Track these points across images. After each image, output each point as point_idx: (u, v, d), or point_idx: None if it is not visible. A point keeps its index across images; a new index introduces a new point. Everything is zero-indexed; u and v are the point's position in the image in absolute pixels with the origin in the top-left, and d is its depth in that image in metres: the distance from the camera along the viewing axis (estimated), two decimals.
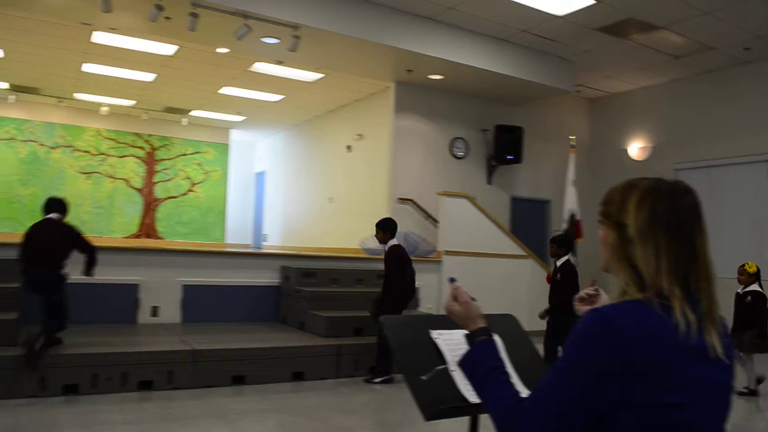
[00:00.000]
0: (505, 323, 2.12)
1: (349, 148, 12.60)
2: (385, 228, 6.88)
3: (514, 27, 9.12)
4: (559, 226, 10.46)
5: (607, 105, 12.45)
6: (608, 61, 10.34)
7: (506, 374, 1.40)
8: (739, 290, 6.75)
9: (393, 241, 6.88)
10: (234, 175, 16.76)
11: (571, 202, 9.61)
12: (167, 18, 7.75)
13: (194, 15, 7.46)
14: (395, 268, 6.69)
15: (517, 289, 9.77)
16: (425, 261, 9.37)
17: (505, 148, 11.07)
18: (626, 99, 12.01)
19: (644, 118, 11.62)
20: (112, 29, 9.00)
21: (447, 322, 1.80)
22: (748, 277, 6.71)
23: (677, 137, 10.93)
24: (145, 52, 10.14)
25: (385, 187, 10.63)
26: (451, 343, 1.90)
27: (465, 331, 1.57)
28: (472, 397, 1.78)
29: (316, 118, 14.36)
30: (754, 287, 6.67)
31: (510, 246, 9.93)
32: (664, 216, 1.30)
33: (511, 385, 1.37)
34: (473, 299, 1.63)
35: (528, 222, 11.80)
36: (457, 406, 1.76)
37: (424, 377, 1.65)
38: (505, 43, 9.71)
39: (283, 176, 15.89)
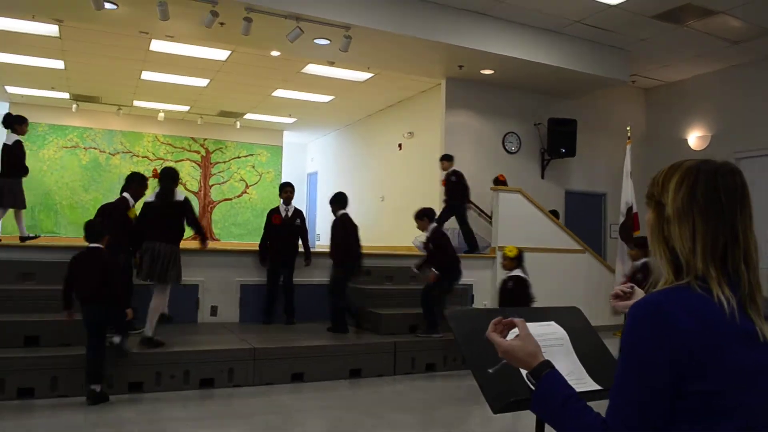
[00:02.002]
0: (571, 316, 2.09)
1: (400, 146, 12.61)
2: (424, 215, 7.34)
3: (567, 18, 8.96)
4: (616, 219, 10.24)
5: (663, 94, 12.11)
6: (664, 49, 10.05)
7: (582, 400, 1.35)
8: None
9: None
10: (287, 176, 16.99)
11: (628, 195, 9.40)
12: (221, 24, 7.91)
13: (248, 20, 7.58)
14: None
15: (575, 283, 9.60)
16: (479, 257, 9.31)
17: (558, 141, 10.90)
18: (683, 87, 11.66)
19: (702, 107, 11.26)
20: (169, 37, 9.23)
21: (511, 315, 1.78)
22: None
23: (737, 125, 10.55)
24: (199, 57, 10.37)
25: (437, 185, 10.58)
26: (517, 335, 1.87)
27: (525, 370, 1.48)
28: None
29: (366, 118, 14.41)
30: None
31: (565, 240, 9.77)
32: (703, 196, 1.28)
33: (590, 410, 1.32)
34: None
35: (583, 216, 11.59)
36: (524, 399, 1.74)
37: (490, 370, 1.63)
38: (558, 34, 9.54)
39: (334, 176, 16.01)
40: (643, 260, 6.53)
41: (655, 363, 1.20)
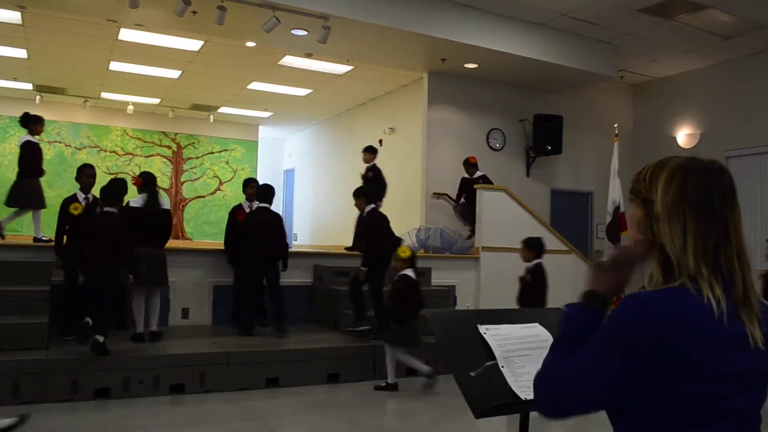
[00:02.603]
0: (556, 318, 2.10)
1: (380, 142, 12.60)
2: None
3: (553, 11, 9.02)
4: (603, 219, 10.33)
5: (652, 90, 12.24)
6: (653, 44, 10.16)
7: (579, 340, 1.34)
8: (765, 267, 6.60)
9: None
10: (262, 172, 16.90)
11: (615, 194, 9.47)
12: (194, 12, 7.84)
13: (222, 8, 7.53)
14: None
15: (561, 285, 9.61)
16: (463, 258, 9.34)
17: (544, 138, 10.97)
18: (672, 83, 11.79)
19: (692, 104, 11.39)
20: (139, 26, 9.14)
21: (495, 317, 1.78)
22: None
23: (727, 123, 10.69)
24: (171, 48, 10.28)
25: (419, 182, 10.61)
26: (500, 338, 1.88)
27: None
28: (523, 393, 1.77)
29: (346, 113, 14.39)
30: None
31: (551, 241, 9.79)
32: (693, 193, 1.30)
33: (570, 351, 1.33)
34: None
35: (569, 215, 11.68)
36: (507, 403, 1.74)
37: (472, 374, 1.64)
38: (544, 28, 9.60)
39: (312, 173, 15.97)
40: (535, 261, 6.62)
41: (631, 346, 1.21)
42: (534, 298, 6.51)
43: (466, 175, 9.97)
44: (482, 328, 1.90)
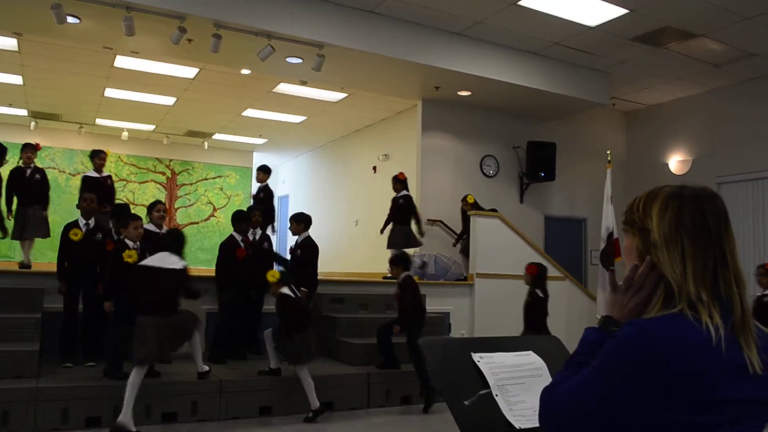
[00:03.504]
0: (550, 345, 2.09)
1: (374, 169, 12.65)
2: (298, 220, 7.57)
3: (545, 39, 9.13)
4: (596, 244, 10.35)
5: (644, 117, 12.35)
6: (645, 72, 10.28)
7: (584, 362, 1.35)
8: (758, 293, 6.61)
9: None
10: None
11: (608, 220, 9.48)
12: (189, 40, 7.91)
13: (217, 36, 7.60)
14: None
15: (555, 312, 9.60)
16: (457, 285, 9.32)
17: (537, 165, 11.02)
18: (664, 111, 11.91)
19: (684, 130, 11.50)
20: (134, 53, 9.20)
21: (489, 344, 1.78)
22: None
23: (719, 149, 10.78)
24: (166, 75, 10.34)
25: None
26: (494, 366, 1.88)
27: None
28: (517, 422, 1.76)
29: (340, 139, 14.46)
30: None
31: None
32: (689, 220, 1.31)
33: (575, 371, 1.34)
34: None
35: (563, 241, 11.69)
36: None
37: (466, 402, 1.63)
38: (536, 56, 9.71)
39: (306, 199, 15.98)
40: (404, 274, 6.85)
41: (629, 371, 1.22)
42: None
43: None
44: (476, 356, 1.89)
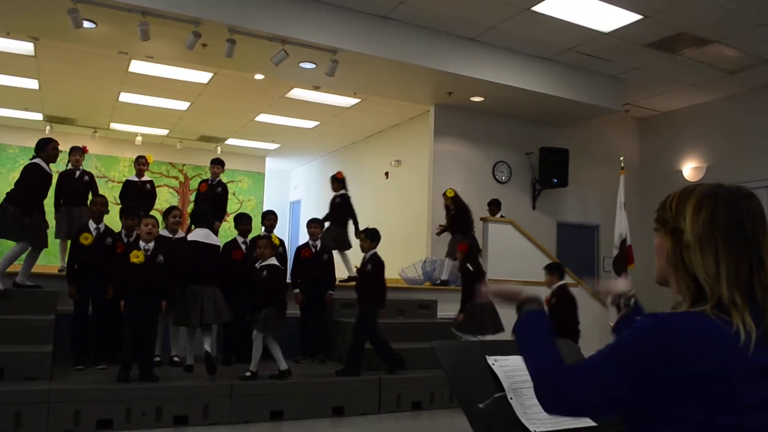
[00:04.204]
0: (565, 349, 2.07)
1: (386, 174, 12.65)
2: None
3: (559, 45, 9.11)
4: (609, 251, 10.28)
5: (658, 124, 12.29)
6: (659, 78, 10.23)
7: (549, 340, 1.47)
8: None
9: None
10: (269, 204, 16.96)
11: (621, 227, 9.44)
12: (204, 45, 7.95)
13: (231, 41, 7.63)
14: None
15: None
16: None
17: (550, 171, 10.99)
18: (678, 117, 11.84)
19: (698, 137, 11.42)
20: (149, 58, 9.27)
21: (504, 347, 1.77)
22: None
23: (734, 156, 10.70)
24: (180, 80, 10.41)
25: (425, 215, 10.61)
26: (509, 369, 1.86)
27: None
28: (532, 425, 1.74)
29: (352, 145, 14.48)
30: None
31: None
32: (724, 220, 1.28)
33: (553, 349, 1.43)
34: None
35: (576, 248, 11.63)
36: None
37: (481, 405, 1.62)
38: (550, 62, 9.69)
39: (318, 205, 15.97)
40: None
41: (645, 362, 1.21)
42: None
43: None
44: (490, 359, 1.88)
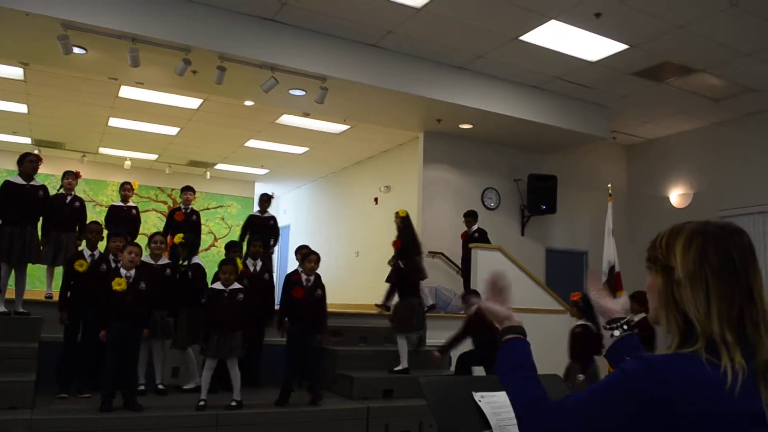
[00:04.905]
0: (550, 384, 2.06)
1: (376, 200, 12.67)
2: None
3: (546, 74, 9.20)
4: (598, 278, 10.28)
5: (644, 151, 12.40)
6: (645, 106, 10.34)
7: (530, 373, 1.46)
8: None
9: None
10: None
11: (610, 253, 9.45)
12: (194, 72, 7.98)
13: (221, 68, 7.67)
14: None
15: (557, 345, 9.53)
16: (459, 317, 9.24)
17: (538, 197, 11.04)
18: (665, 144, 11.95)
19: (685, 164, 11.53)
20: (139, 84, 9.28)
21: (491, 383, 1.75)
22: None
23: (721, 183, 10.79)
24: (170, 105, 10.42)
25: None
26: (496, 406, 1.85)
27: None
28: None
29: (342, 171, 14.50)
30: None
31: (546, 300, 9.76)
32: (714, 257, 1.28)
33: (536, 383, 1.42)
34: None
35: (565, 274, 11.64)
36: None
37: None
38: (537, 90, 9.78)
39: (308, 230, 15.97)
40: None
41: (629, 406, 1.20)
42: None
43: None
44: (477, 396, 1.86)
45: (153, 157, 14.29)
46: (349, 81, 8.36)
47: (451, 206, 10.69)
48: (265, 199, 9.43)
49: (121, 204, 8.54)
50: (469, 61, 8.91)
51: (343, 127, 11.24)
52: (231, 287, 6.40)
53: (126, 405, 5.79)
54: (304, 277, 6.86)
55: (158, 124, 11.63)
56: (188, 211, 8.85)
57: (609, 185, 10.03)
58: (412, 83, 8.78)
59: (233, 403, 6.18)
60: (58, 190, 8.01)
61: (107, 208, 8.82)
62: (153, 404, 6.21)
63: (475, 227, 9.69)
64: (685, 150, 11.55)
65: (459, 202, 10.75)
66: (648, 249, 1.40)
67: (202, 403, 6.06)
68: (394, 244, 8.05)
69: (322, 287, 7.09)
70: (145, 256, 6.75)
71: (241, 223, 16.30)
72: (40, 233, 7.15)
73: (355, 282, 12.76)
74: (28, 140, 13.18)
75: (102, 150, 13.80)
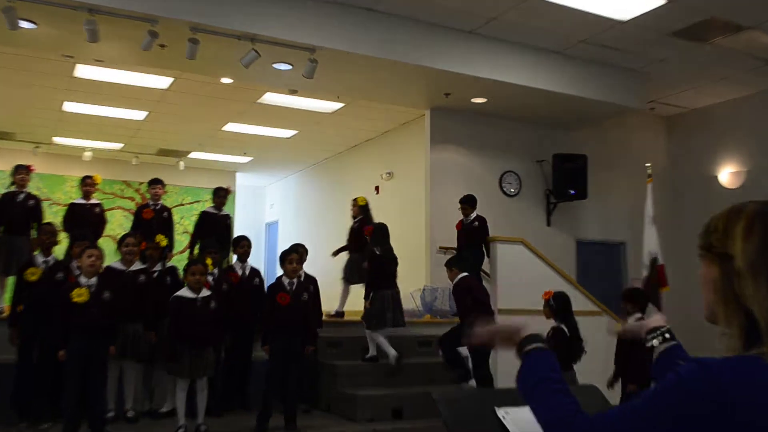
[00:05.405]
0: (587, 396, 2.08)
1: (377, 189, 12.67)
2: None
3: (571, 37, 9.18)
4: (638, 272, 10.30)
5: (688, 123, 12.38)
6: (687, 71, 10.33)
7: (558, 385, 1.45)
8: None
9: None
10: (240, 225, 16.88)
11: (651, 244, 9.46)
12: (162, 46, 7.98)
13: (194, 41, 7.66)
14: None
15: (592, 353, 9.52)
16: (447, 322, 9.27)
17: (566, 181, 11.02)
18: (712, 115, 11.92)
19: (735, 138, 11.50)
20: (99, 61, 9.28)
21: (516, 397, 1.76)
22: None
23: None
24: (135, 86, 10.42)
25: (423, 235, 10.62)
26: (521, 422, 1.86)
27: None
28: None
29: (336, 156, 14.51)
30: None
31: (578, 300, 9.75)
32: None
33: (568, 396, 1.42)
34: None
35: (599, 270, 11.65)
36: None
37: None
38: (561, 56, 9.76)
39: (298, 225, 15.99)
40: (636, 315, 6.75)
41: (686, 415, 1.20)
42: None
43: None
44: (501, 412, 1.87)
45: (117, 146, 14.31)
46: (342, 51, 8.35)
47: (465, 194, 10.66)
48: (222, 194, 9.33)
49: (83, 201, 8.53)
50: (481, 25, 8.90)
51: (337, 106, 11.24)
52: (202, 294, 6.37)
53: None
54: (286, 281, 6.89)
55: (122, 108, 11.63)
56: (158, 207, 8.82)
57: (648, 164, 10.04)
58: (414, 52, 8.76)
59: (203, 428, 6.19)
60: (9, 188, 8.01)
61: (66, 207, 8.77)
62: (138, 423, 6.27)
63: (473, 215, 9.46)
64: (736, 121, 11.52)
65: (473, 189, 10.68)
66: (701, 234, 1.39)
67: (181, 430, 6.08)
68: (367, 230, 8.36)
69: (312, 289, 7.16)
70: (115, 262, 6.77)
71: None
72: None
73: (355, 285, 12.75)
74: None
75: (57, 140, 13.82)
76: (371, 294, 7.93)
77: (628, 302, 6.73)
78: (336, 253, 9.50)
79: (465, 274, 7.66)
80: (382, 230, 8.35)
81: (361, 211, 9.20)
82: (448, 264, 7.88)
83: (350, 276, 9.11)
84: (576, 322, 6.58)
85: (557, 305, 6.60)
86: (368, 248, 8.23)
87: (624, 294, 6.94)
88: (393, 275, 8.15)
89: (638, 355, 6.30)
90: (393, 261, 8.21)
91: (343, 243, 9.48)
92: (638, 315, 6.56)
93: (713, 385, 1.20)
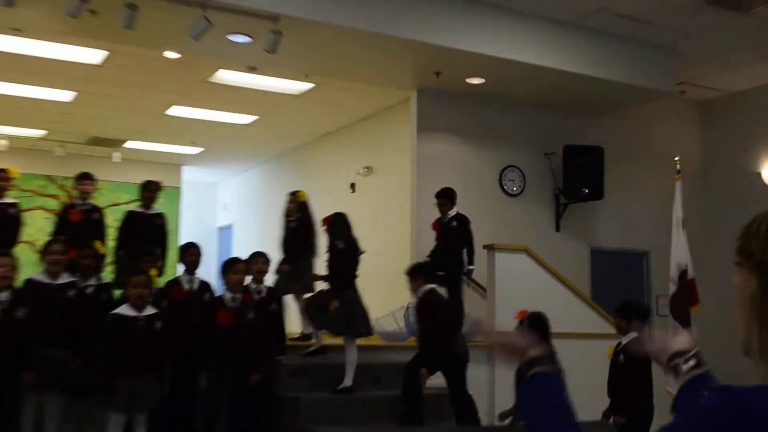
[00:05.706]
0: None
1: (352, 187, 12.69)
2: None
3: (586, 5, 9.22)
4: (664, 288, 10.35)
5: (725, 110, 12.46)
6: (724, 47, 10.39)
7: (568, 418, 1.51)
8: None
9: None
10: (187, 230, 16.87)
11: (680, 254, 9.49)
12: (92, 12, 7.94)
13: (132, 7, 7.63)
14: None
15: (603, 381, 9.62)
16: (470, 346, 9.29)
17: (578, 178, 11.06)
18: (753, 99, 11.98)
19: None
20: (16, 30, 9.22)
21: None
22: None
23: None
24: (61, 60, 10.37)
25: (407, 240, 10.62)
26: None
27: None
28: None
29: (304, 146, 14.51)
30: None
31: (592, 320, 9.80)
32: None
33: (575, 429, 1.47)
34: None
35: (617, 284, 11.68)
36: None
37: None
38: (574, 28, 9.80)
39: (257, 230, 15.95)
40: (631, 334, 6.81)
41: None
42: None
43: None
44: None
45: (39, 133, 14.24)
46: (311, 21, 8.35)
47: (459, 191, 10.65)
48: (152, 188, 9.30)
49: None
50: None
51: (306, 86, 11.24)
52: (145, 312, 6.37)
53: None
54: (228, 296, 6.90)
55: (45, 87, 11.58)
56: (87, 207, 8.77)
57: (677, 158, 10.08)
58: (398, 22, 8.77)
59: None
60: None
61: None
62: None
63: (452, 212, 9.34)
64: None
65: (469, 186, 10.71)
66: (739, 237, 1.39)
67: None
68: (325, 221, 8.54)
69: (275, 307, 7.21)
70: (38, 273, 6.74)
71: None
72: None
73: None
74: None
75: None
76: (336, 295, 7.99)
77: (621, 318, 6.78)
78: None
79: (431, 286, 7.70)
80: (343, 220, 8.47)
81: (301, 208, 9.16)
82: (411, 273, 7.90)
83: (288, 285, 8.91)
84: (554, 349, 6.61)
85: (532, 326, 6.67)
86: (331, 242, 8.33)
87: (618, 308, 6.97)
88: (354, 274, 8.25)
89: (634, 383, 6.39)
90: (359, 253, 8.35)
91: (321, 248, 9.32)
92: (633, 335, 6.59)
93: (742, 416, 1.21)
